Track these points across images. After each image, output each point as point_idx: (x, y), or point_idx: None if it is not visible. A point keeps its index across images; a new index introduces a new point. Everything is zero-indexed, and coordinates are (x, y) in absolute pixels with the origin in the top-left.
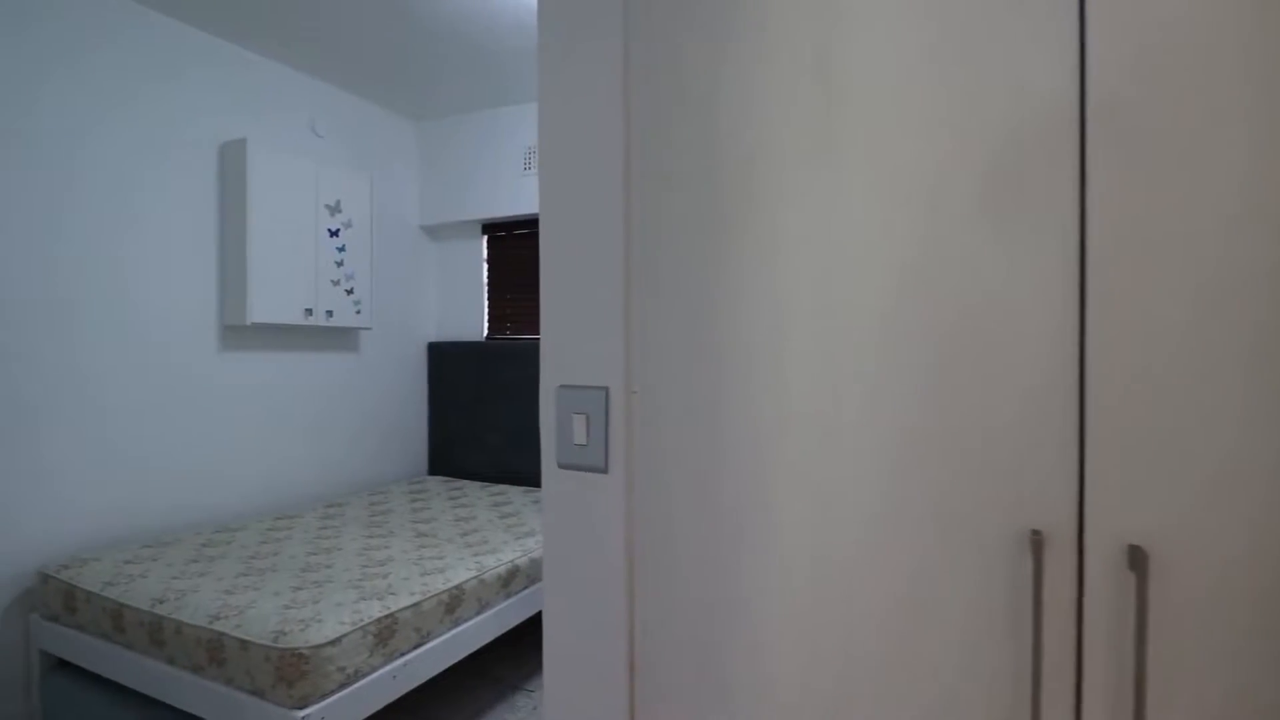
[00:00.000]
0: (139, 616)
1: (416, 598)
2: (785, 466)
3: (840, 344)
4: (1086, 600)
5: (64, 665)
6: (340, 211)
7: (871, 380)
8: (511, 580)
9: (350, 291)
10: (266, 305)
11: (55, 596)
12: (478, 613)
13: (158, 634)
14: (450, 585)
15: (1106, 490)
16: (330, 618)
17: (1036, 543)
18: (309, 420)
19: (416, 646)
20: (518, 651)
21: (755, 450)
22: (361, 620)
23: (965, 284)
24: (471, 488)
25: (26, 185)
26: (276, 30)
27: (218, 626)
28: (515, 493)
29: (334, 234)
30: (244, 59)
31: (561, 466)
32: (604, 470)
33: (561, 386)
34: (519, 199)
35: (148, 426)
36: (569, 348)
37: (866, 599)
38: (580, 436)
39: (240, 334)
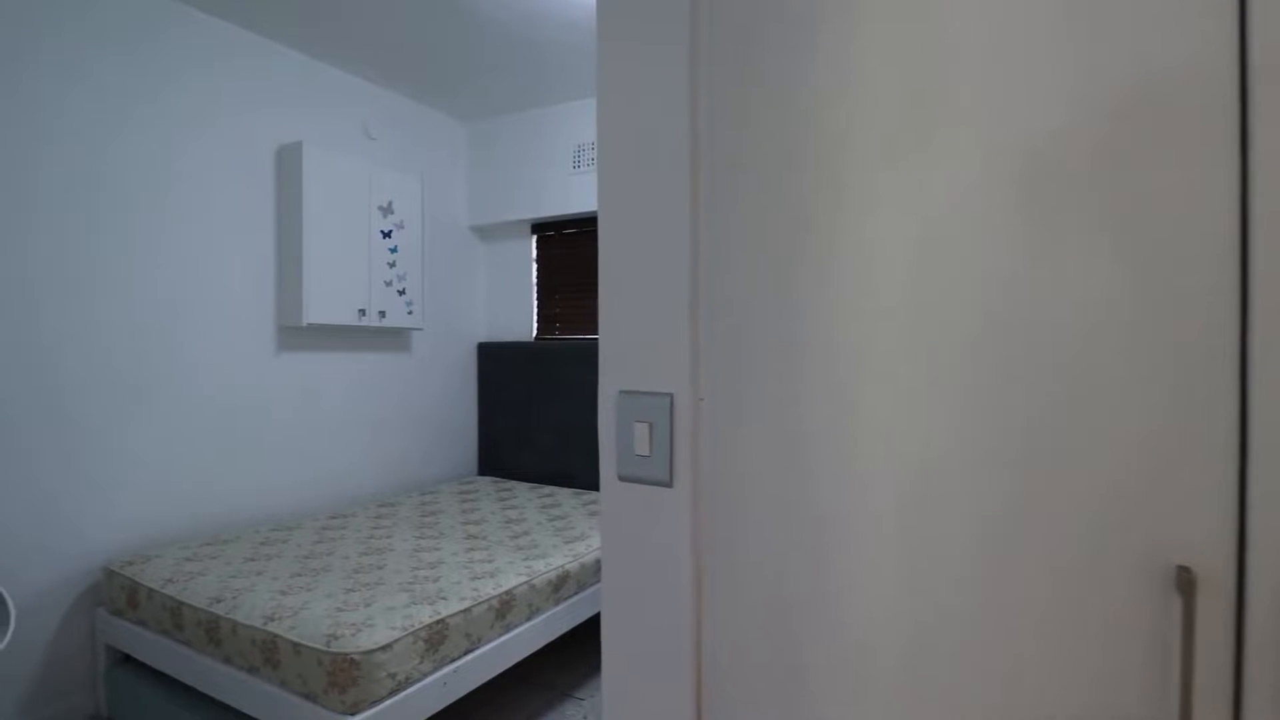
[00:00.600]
0: (197, 615)
1: (467, 603)
2: (874, 483)
3: (939, 346)
4: (1248, 659)
5: (127, 660)
6: (392, 213)
7: (975, 387)
8: (562, 586)
9: (402, 292)
10: (321, 306)
11: (119, 592)
12: (528, 619)
13: (215, 633)
14: (500, 591)
15: (1276, 520)
16: (381, 622)
17: (1185, 582)
18: (362, 420)
19: (467, 653)
20: (566, 657)
21: (839, 465)
22: (412, 625)
23: (1089, 274)
24: (520, 489)
25: (96, 190)
26: (331, 35)
27: (272, 628)
28: (564, 495)
29: (386, 235)
30: (300, 64)
31: (622, 479)
32: (668, 484)
33: (622, 392)
34: (568, 198)
35: (209, 426)
36: (630, 351)
37: (977, 647)
38: (642, 447)
39: (296, 334)
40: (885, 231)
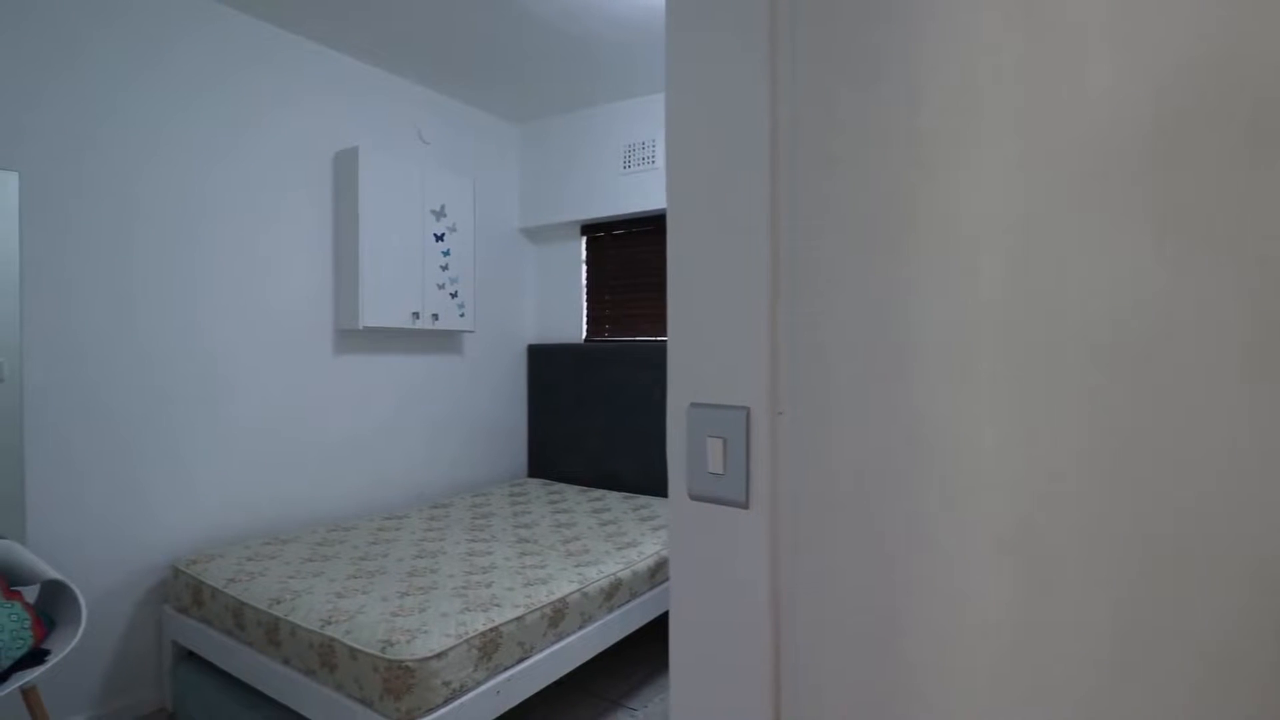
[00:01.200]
0: (258, 616)
1: (520, 611)
2: (987, 506)
3: (1059, 355)
4: None
5: (191, 656)
6: (445, 216)
7: (1102, 405)
8: (614, 594)
9: (454, 295)
10: (377, 310)
11: (185, 590)
12: (580, 627)
13: (274, 634)
14: (553, 598)
15: None
16: (436, 629)
17: None
18: (415, 421)
19: (520, 661)
20: (617, 665)
21: (945, 486)
22: (466, 633)
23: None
24: (570, 492)
25: (161, 196)
26: (386, 40)
27: (329, 631)
28: (614, 499)
29: (439, 238)
30: (356, 70)
31: (693, 498)
32: (744, 505)
33: (693, 405)
34: (618, 199)
35: (269, 427)
36: (702, 360)
37: (1107, 699)
38: (716, 464)
39: (352, 337)
40: (998, 226)
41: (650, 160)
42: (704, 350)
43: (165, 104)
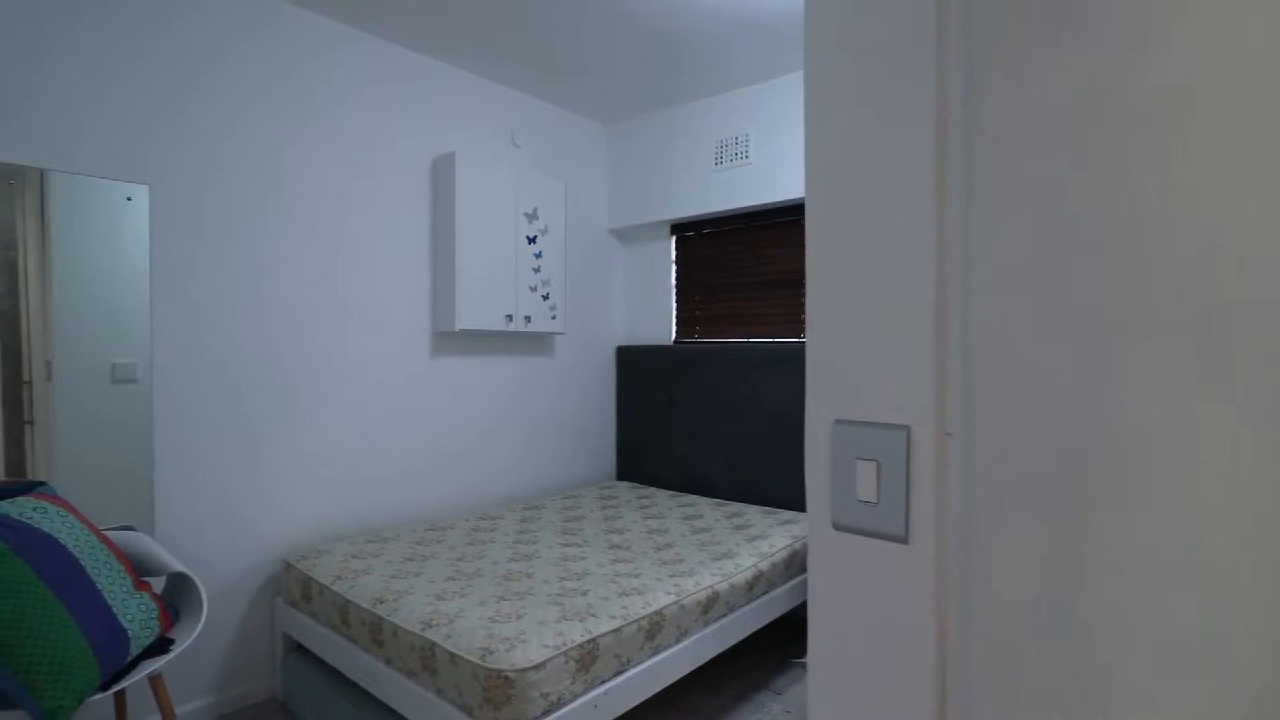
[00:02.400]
0: (362, 615)
1: (617, 622)
2: (1237, 561)
3: None
4: None
5: (300, 648)
6: (537, 219)
7: None
8: (711, 607)
9: (546, 297)
10: (473, 312)
11: (295, 585)
12: (677, 641)
13: (378, 634)
14: (650, 610)
15: None
16: (534, 638)
17: None
18: (508, 423)
19: (617, 674)
20: (710, 681)
21: (1163, 531)
22: (564, 644)
23: None
24: (661, 496)
25: (274, 205)
26: (479, 45)
27: (430, 635)
28: (705, 505)
29: (531, 241)
30: (452, 76)
31: (838, 528)
32: (903, 540)
33: (839, 423)
34: (710, 196)
35: (373, 427)
36: (851, 370)
37: None
38: (867, 491)
39: (448, 340)
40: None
41: (744, 156)
42: (852, 359)
43: (277, 117)
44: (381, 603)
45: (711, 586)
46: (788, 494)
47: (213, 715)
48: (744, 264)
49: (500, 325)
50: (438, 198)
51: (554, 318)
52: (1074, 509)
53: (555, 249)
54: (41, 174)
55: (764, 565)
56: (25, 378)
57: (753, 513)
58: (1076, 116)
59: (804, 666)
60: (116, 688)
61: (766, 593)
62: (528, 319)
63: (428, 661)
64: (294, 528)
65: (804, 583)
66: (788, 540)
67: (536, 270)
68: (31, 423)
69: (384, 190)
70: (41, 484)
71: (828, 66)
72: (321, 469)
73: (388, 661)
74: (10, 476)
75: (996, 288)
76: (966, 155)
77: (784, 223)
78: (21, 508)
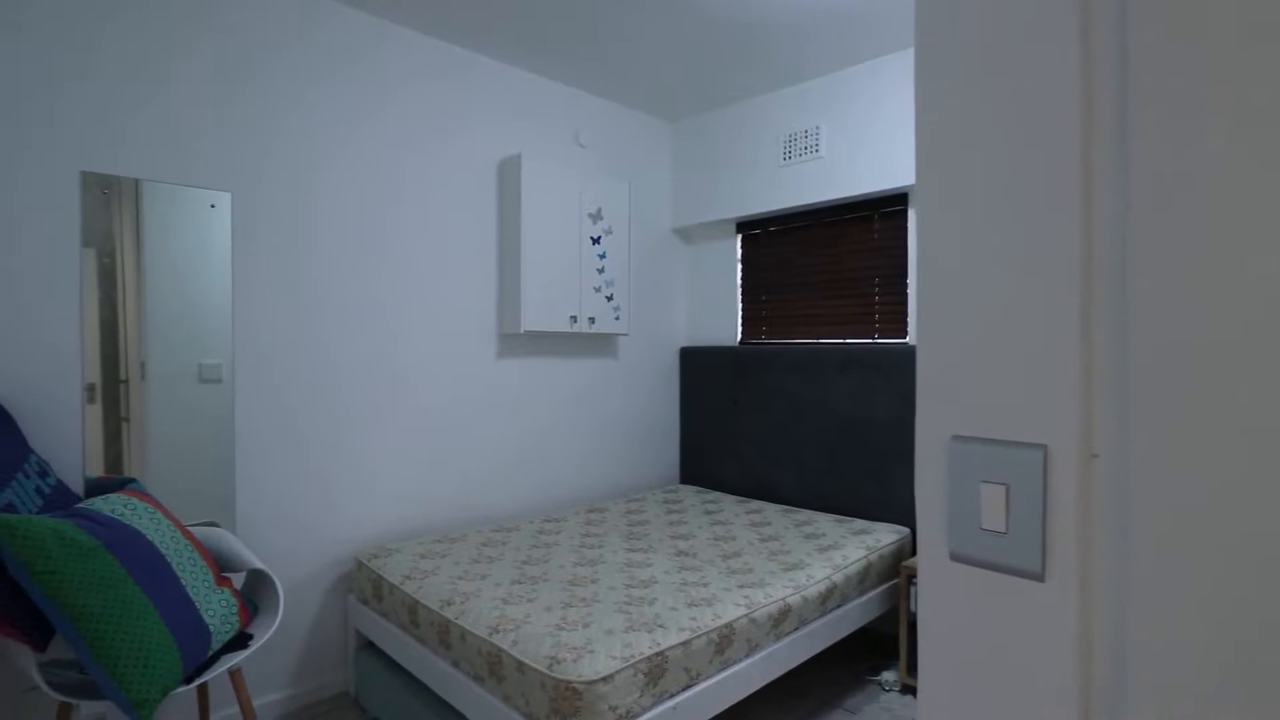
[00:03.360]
0: (430, 616)
1: (686, 635)
2: None
3: None
4: None
5: (371, 645)
6: (601, 219)
7: None
8: (782, 621)
9: (610, 298)
10: (537, 314)
11: (366, 583)
12: (747, 655)
13: (446, 636)
14: (720, 623)
15: None
16: (601, 649)
17: None
18: (572, 425)
19: (685, 688)
20: (780, 697)
21: None
22: (632, 657)
23: None
24: (726, 501)
25: (345, 210)
26: (546, 47)
27: (497, 640)
28: (772, 511)
29: (596, 241)
30: (519, 79)
31: (957, 559)
32: (1039, 576)
33: (959, 439)
34: (778, 193)
35: (439, 428)
36: (973, 378)
37: None
38: (993, 519)
39: (513, 342)
40: None
41: (814, 149)
42: (974, 365)
43: (349, 124)
44: (449, 605)
45: (783, 599)
46: (859, 502)
47: (287, 708)
48: (813, 262)
49: (564, 326)
50: (504, 199)
51: (617, 319)
52: (1261, 550)
53: (619, 249)
54: (136, 183)
55: (838, 578)
56: (122, 377)
57: (823, 521)
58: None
59: (881, 685)
60: (198, 681)
61: (840, 606)
62: (591, 320)
63: (495, 667)
64: (366, 526)
65: (880, 596)
66: (862, 551)
67: (600, 271)
68: (128, 420)
69: (453, 193)
70: (132, 481)
71: (945, 32)
72: (392, 468)
73: (455, 664)
74: (108, 472)
75: (1158, 284)
76: (1120, 125)
77: (857, 218)
78: (114, 504)
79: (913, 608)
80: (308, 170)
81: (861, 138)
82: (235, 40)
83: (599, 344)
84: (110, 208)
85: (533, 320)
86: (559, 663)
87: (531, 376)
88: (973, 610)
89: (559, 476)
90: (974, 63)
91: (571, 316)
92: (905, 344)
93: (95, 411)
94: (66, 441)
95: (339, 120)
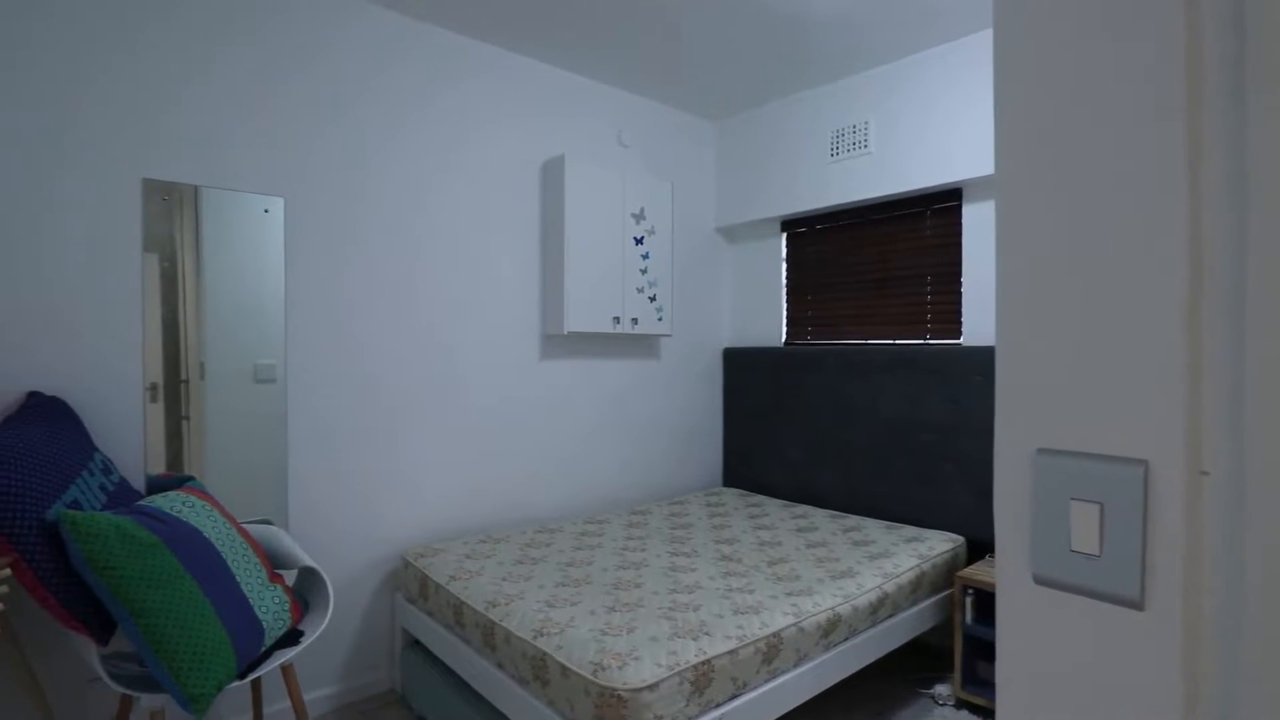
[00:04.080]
0: (475, 617)
1: (733, 643)
2: None
3: None
4: None
5: (417, 643)
6: (644, 219)
7: None
8: (832, 631)
9: (653, 299)
10: (580, 315)
11: (413, 582)
12: (795, 665)
13: (490, 637)
14: (767, 632)
15: None
16: (646, 656)
17: None
18: (615, 426)
19: (732, 698)
20: (827, 709)
21: None
22: (678, 665)
23: None
24: (771, 505)
25: (392, 212)
26: (588, 47)
27: (541, 644)
28: (819, 516)
29: (639, 241)
30: (561, 79)
31: (1042, 582)
32: (1137, 605)
33: (1045, 452)
34: (825, 190)
35: (483, 429)
36: (1061, 385)
37: None
38: (1085, 540)
39: (556, 343)
40: None
41: (863, 145)
42: (1062, 371)
43: (395, 130)
44: (494, 606)
45: (832, 608)
46: (909, 508)
47: (336, 704)
48: (861, 261)
49: (607, 327)
50: (547, 200)
51: (660, 319)
52: None
53: (662, 249)
54: (195, 190)
55: (889, 587)
56: (183, 377)
57: (873, 527)
58: None
59: (934, 699)
60: (252, 676)
61: (891, 617)
62: (634, 321)
63: (539, 671)
64: (412, 524)
65: (934, 607)
66: (914, 560)
67: (643, 271)
68: (188, 418)
69: (496, 195)
70: (190, 479)
71: (1031, 4)
72: (438, 468)
73: (499, 666)
74: (169, 469)
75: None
76: (1235, 104)
77: (908, 215)
78: (173, 501)
79: (968, 620)
80: (355, 174)
81: (913, 132)
82: (282, 46)
83: (642, 345)
84: (170, 214)
85: (576, 321)
86: (604, 669)
87: (574, 377)
88: (1059, 638)
89: (601, 478)
90: (1066, 37)
91: (614, 317)
92: (959, 345)
93: (157, 410)
94: (129, 440)
95: (385, 123)
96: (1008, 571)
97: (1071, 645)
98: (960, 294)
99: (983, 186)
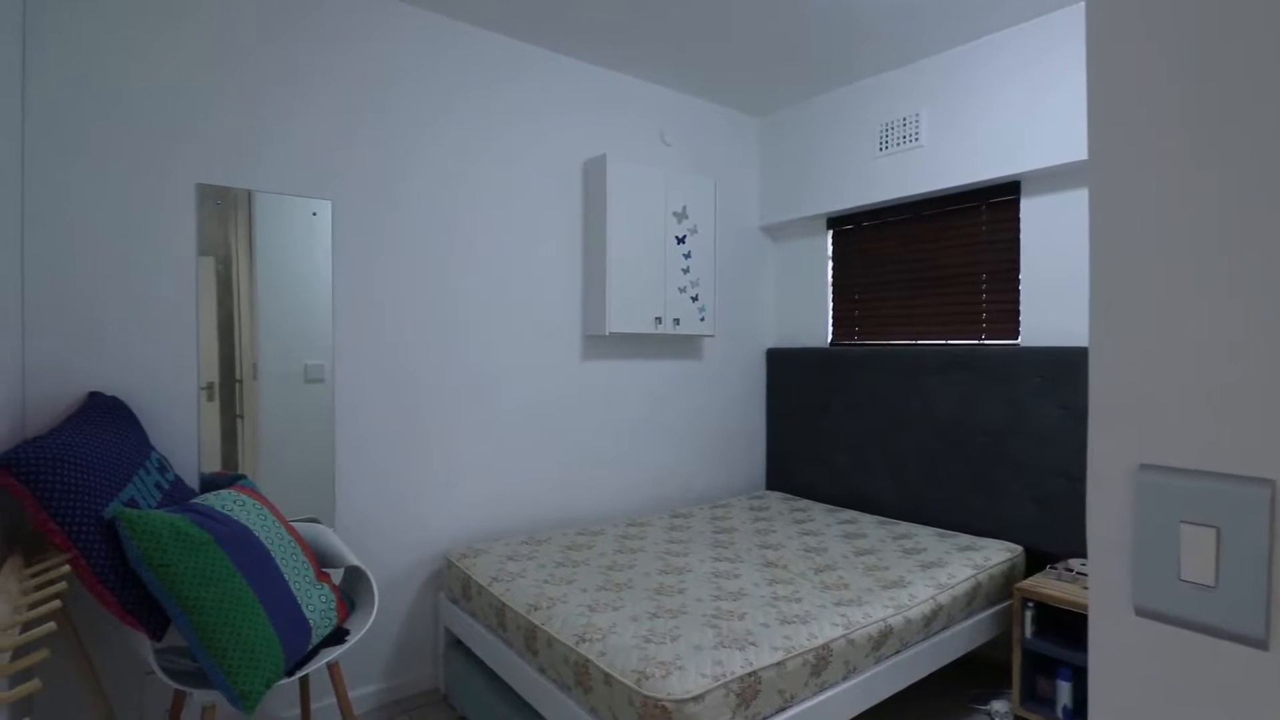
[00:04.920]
0: (518, 620)
1: (780, 655)
2: None
3: None
4: None
5: (459, 643)
6: (686, 218)
7: None
8: (883, 643)
9: (695, 299)
10: (622, 315)
11: (456, 582)
12: (844, 678)
13: (532, 641)
14: (816, 643)
15: None
16: (691, 665)
17: None
18: (655, 427)
19: (779, 711)
20: None
21: None
22: (724, 676)
23: None
24: (816, 510)
25: (434, 210)
26: (629, 45)
27: (583, 650)
28: (867, 522)
29: (680, 240)
30: (603, 77)
31: (1145, 614)
32: (1261, 643)
33: (1149, 469)
34: (872, 185)
35: (527, 429)
36: (1167, 392)
37: None
38: (1198, 569)
39: (597, 343)
40: None
41: (914, 138)
42: (1172, 377)
43: (434, 126)
44: (536, 609)
45: (884, 619)
46: (963, 515)
47: (381, 701)
48: (911, 258)
49: (649, 328)
50: (589, 200)
51: (702, 319)
52: None
53: (705, 248)
54: (249, 194)
55: (943, 598)
56: (238, 377)
57: (924, 535)
58: None
59: (990, 716)
60: (300, 674)
61: (945, 629)
62: (676, 321)
63: (581, 677)
64: (456, 524)
65: (990, 620)
66: (969, 570)
67: (685, 271)
68: (242, 417)
69: (538, 195)
70: (242, 477)
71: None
72: (481, 468)
73: (542, 670)
74: (223, 468)
75: None
76: None
77: (960, 209)
78: (224, 500)
79: (1027, 634)
80: (398, 175)
81: (968, 123)
82: (327, 50)
83: (684, 345)
84: (225, 218)
85: (618, 322)
86: (647, 678)
87: (616, 378)
88: (1164, 676)
89: (643, 479)
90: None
91: (656, 318)
92: (1016, 345)
93: (212, 410)
94: (184, 438)
95: (426, 124)
96: (1104, 600)
97: (1179, 686)
98: (1019, 292)
99: (1044, 179)
